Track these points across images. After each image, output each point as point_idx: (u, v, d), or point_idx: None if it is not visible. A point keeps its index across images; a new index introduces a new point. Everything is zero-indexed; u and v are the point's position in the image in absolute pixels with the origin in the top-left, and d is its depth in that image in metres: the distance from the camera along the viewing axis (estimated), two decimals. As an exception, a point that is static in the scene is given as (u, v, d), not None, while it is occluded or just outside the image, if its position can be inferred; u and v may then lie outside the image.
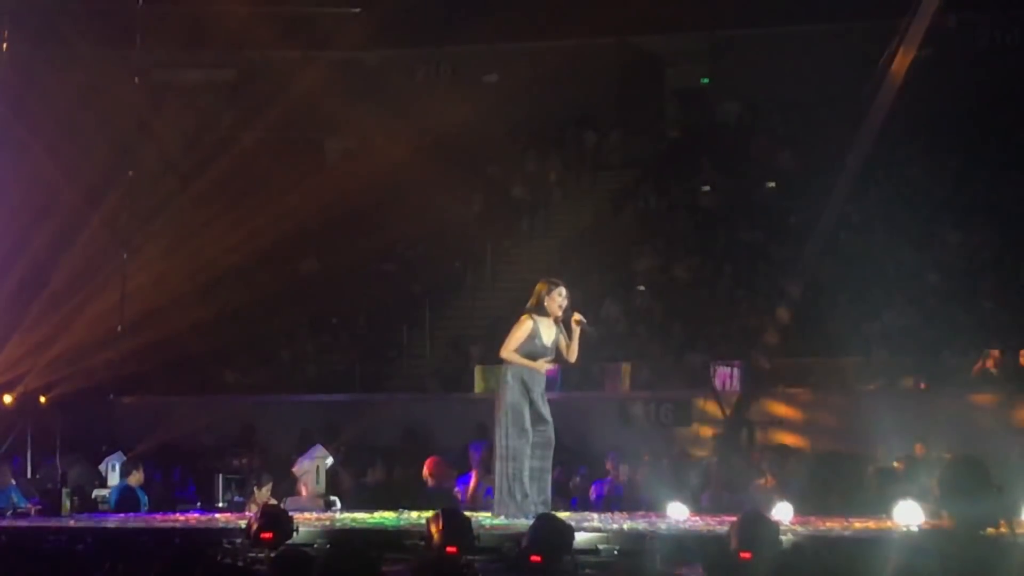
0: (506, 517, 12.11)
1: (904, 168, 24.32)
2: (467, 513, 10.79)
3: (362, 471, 17.84)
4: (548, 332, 12.58)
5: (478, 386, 21.93)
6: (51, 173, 22.47)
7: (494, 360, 20.93)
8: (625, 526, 11.73)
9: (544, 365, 12.61)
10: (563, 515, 11.72)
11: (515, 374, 12.50)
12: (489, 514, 12.65)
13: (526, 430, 12.44)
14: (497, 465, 12.51)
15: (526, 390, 12.49)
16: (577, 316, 12.65)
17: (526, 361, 12.49)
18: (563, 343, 12.65)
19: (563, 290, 12.62)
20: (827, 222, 18.97)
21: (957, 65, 25.36)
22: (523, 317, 12.60)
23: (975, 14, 25.47)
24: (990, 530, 10.14)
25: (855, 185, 19.37)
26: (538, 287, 12.70)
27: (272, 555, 9.77)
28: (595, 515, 13.50)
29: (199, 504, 15.77)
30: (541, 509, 12.08)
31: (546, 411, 12.57)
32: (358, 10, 27.12)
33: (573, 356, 12.73)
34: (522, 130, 26.91)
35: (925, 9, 17.49)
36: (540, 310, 12.59)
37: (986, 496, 10.09)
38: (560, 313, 12.59)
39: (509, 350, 12.53)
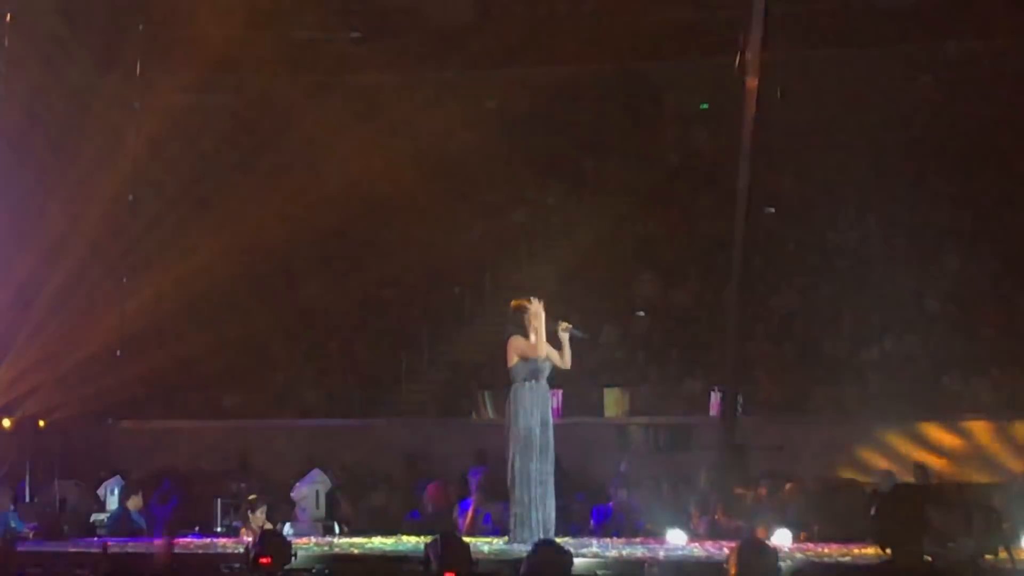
0: (523, 543, 11.98)
1: (902, 194, 24.32)
2: (465, 539, 10.77)
3: (360, 496, 17.84)
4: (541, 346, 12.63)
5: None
6: (45, 198, 22.40)
7: (494, 385, 21.01)
8: (624, 552, 11.72)
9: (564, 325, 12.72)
10: (562, 541, 11.69)
11: (522, 396, 12.49)
12: (492, 539, 12.62)
13: (538, 453, 12.44)
14: (513, 491, 12.48)
15: (536, 412, 12.49)
16: (564, 324, 12.73)
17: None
18: (554, 355, 12.73)
19: (536, 301, 12.72)
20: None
21: (957, 92, 25.39)
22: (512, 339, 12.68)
23: (975, 42, 25.50)
24: (988, 557, 10.12)
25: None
26: (515, 308, 12.79)
27: (271, 580, 9.77)
28: (594, 541, 13.49)
29: (197, 528, 15.76)
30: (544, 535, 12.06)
31: (550, 435, 12.59)
32: (357, 35, 27.14)
33: (567, 362, 12.85)
34: (521, 156, 26.88)
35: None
36: (522, 329, 12.63)
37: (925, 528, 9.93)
38: (539, 323, 12.63)
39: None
